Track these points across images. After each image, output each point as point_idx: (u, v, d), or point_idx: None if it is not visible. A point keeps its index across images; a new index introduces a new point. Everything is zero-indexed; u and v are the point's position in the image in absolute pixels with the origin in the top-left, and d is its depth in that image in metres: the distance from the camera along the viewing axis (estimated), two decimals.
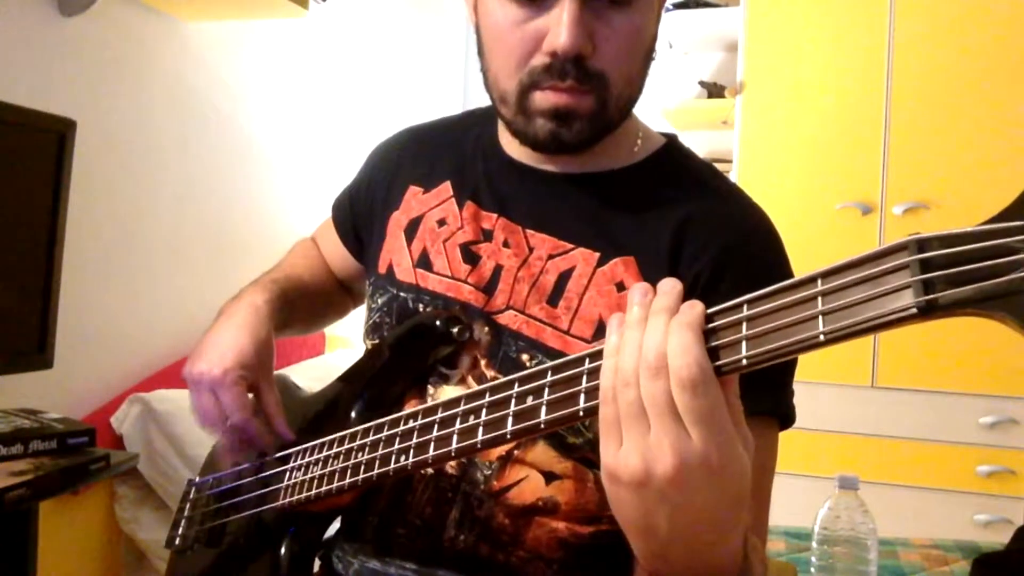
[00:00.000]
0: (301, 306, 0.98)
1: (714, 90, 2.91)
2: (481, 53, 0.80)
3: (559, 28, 0.70)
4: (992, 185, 2.24)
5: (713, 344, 0.49)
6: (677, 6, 2.82)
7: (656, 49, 0.80)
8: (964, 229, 0.42)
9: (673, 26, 2.86)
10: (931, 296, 0.41)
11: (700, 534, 0.51)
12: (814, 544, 1.16)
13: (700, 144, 2.89)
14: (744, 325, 0.48)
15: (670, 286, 0.52)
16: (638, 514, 0.51)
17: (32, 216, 1.54)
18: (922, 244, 0.42)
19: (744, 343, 0.48)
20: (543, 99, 0.74)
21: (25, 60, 1.75)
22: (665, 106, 2.86)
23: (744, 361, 0.48)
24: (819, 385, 2.33)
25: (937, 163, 2.32)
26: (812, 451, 2.23)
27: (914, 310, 0.42)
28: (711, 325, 0.50)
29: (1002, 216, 0.41)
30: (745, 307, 0.49)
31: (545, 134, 0.75)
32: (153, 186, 2.17)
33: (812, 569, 1.16)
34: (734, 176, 2.50)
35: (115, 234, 2.05)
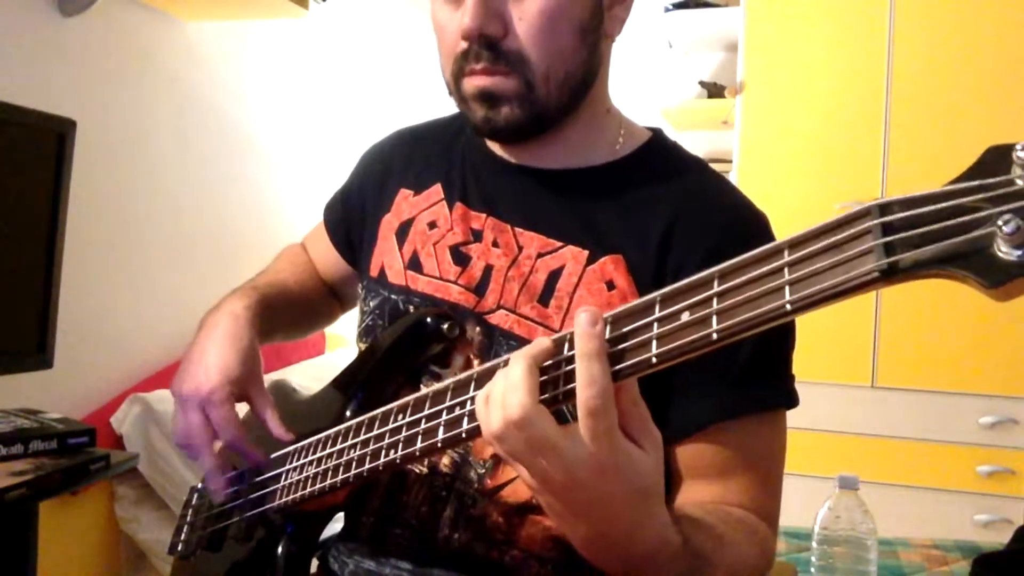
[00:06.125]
0: (284, 311, 0.96)
1: (714, 90, 2.91)
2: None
3: (464, 13, 0.74)
4: None
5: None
6: (677, 6, 2.82)
7: (604, 20, 0.79)
8: (925, 192, 0.41)
9: (673, 26, 2.87)
10: (892, 259, 0.41)
11: (612, 525, 0.56)
12: (814, 544, 1.15)
13: (700, 144, 2.89)
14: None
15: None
16: (557, 516, 0.57)
17: (32, 216, 1.54)
18: (884, 208, 0.42)
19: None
20: (468, 84, 0.77)
21: (25, 60, 1.75)
22: (665, 106, 2.86)
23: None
24: (819, 385, 2.33)
25: (937, 163, 2.31)
26: (812, 451, 2.22)
27: (876, 274, 0.42)
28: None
29: (963, 178, 0.41)
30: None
31: (478, 120, 0.78)
32: (153, 186, 2.17)
33: (812, 569, 1.16)
34: (734, 176, 2.50)
35: (115, 234, 2.05)
